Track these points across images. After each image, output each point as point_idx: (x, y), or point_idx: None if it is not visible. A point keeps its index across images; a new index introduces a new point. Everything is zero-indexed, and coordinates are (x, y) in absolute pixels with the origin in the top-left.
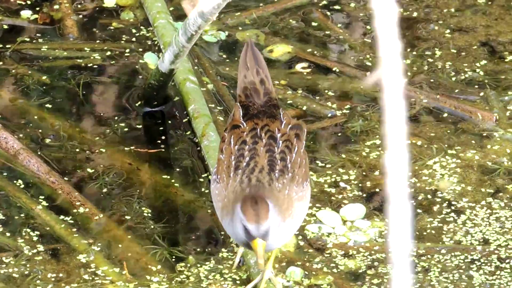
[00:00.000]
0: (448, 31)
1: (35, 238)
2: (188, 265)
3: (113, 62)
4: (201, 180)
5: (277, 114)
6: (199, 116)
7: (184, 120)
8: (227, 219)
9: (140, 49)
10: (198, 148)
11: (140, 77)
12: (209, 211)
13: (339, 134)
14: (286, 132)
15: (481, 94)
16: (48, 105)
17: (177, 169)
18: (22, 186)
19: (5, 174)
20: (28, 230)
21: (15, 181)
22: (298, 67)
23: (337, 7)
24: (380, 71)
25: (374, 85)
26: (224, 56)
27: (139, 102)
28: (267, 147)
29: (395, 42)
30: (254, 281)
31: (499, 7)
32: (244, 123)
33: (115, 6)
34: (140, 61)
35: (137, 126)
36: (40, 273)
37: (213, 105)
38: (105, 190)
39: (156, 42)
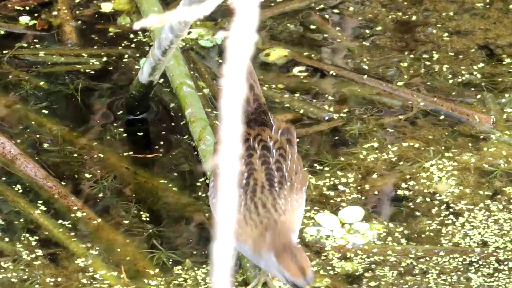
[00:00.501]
0: (446, 34)
1: (33, 243)
2: (185, 268)
3: (111, 67)
4: (198, 184)
5: (268, 121)
6: (196, 120)
7: (181, 123)
8: (246, 247)
9: (137, 55)
10: (196, 152)
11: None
12: (204, 214)
13: (337, 137)
14: (277, 139)
15: (478, 96)
16: (45, 111)
17: (175, 174)
18: (21, 191)
19: (3, 179)
20: (27, 235)
21: (13, 186)
22: (295, 70)
23: (336, 10)
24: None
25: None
26: (220, 60)
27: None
28: (262, 159)
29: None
30: (251, 284)
31: (498, 10)
32: None
33: (112, 11)
34: (137, 66)
35: (135, 131)
36: (39, 278)
37: (209, 110)
38: (102, 194)
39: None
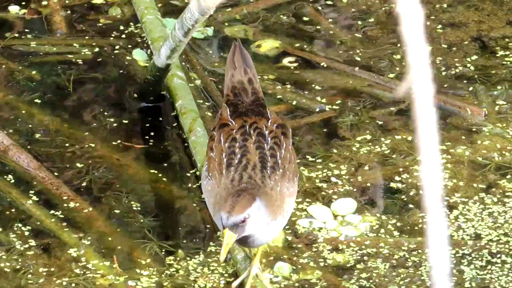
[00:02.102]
0: (440, 26)
1: (26, 233)
2: (178, 258)
3: (102, 58)
4: (188, 175)
5: (265, 113)
6: (187, 111)
7: (172, 115)
8: (219, 215)
9: (130, 46)
10: (186, 144)
11: (128, 73)
12: (195, 205)
13: (330, 129)
14: (273, 129)
15: (470, 89)
16: (37, 101)
17: (165, 164)
18: (13, 181)
19: None
20: (20, 225)
21: (5, 176)
22: (285, 61)
23: (329, 2)
24: (410, 80)
25: (405, 94)
26: (211, 52)
27: (135, 96)
28: (257, 144)
29: (423, 49)
30: (241, 276)
31: (492, 2)
32: (232, 121)
33: (103, 2)
34: (128, 57)
35: (126, 121)
36: (32, 268)
37: (201, 101)
38: (93, 185)
39: (144, 39)
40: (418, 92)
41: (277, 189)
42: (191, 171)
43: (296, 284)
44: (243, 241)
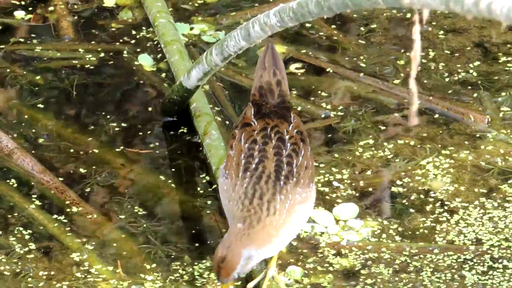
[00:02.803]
0: (442, 32)
1: (27, 237)
2: (185, 263)
3: (108, 63)
4: (197, 180)
5: (288, 117)
6: (201, 114)
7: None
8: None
9: (138, 50)
10: (195, 147)
11: (134, 78)
12: (200, 209)
13: (332, 134)
14: (293, 135)
15: (475, 95)
16: (41, 105)
17: (172, 169)
18: (16, 185)
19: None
20: (20, 228)
21: (8, 180)
22: (292, 67)
23: None
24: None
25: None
26: None
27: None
28: (275, 150)
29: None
30: (256, 278)
31: None
32: (255, 121)
33: (114, 6)
34: (135, 62)
35: (130, 126)
36: (32, 271)
37: (210, 106)
38: (97, 189)
39: (155, 43)
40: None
41: (285, 206)
42: (201, 176)
43: (308, 287)
44: None
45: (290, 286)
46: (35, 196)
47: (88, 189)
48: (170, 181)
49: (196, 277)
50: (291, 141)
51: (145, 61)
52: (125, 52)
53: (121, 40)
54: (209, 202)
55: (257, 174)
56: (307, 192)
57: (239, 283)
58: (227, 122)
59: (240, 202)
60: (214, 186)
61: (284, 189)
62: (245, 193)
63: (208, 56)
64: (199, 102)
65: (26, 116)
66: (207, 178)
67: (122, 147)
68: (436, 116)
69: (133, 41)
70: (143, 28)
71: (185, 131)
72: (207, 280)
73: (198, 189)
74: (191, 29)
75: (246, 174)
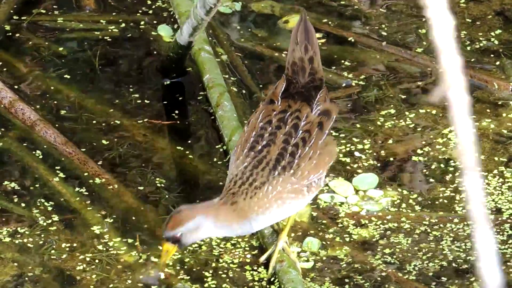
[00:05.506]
0: (463, 0)
1: (49, 208)
2: None
3: (128, 34)
4: (215, 150)
5: (313, 98)
6: (214, 86)
7: (197, 91)
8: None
9: (155, 21)
10: (213, 118)
11: (154, 48)
12: (220, 180)
13: (354, 103)
14: (311, 121)
15: (497, 63)
16: (64, 77)
17: (192, 140)
18: (41, 157)
19: (24, 144)
20: (43, 200)
21: (33, 152)
22: None
23: None
24: (444, 86)
25: (440, 100)
26: (239, 27)
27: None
28: (285, 137)
29: (455, 56)
30: (268, 251)
31: None
32: (279, 100)
33: None
34: (154, 33)
35: (152, 97)
36: (55, 243)
37: (226, 76)
38: (119, 161)
39: (171, 13)
40: (452, 99)
41: (271, 195)
42: (217, 146)
43: (324, 259)
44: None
45: (304, 258)
46: (58, 167)
47: (109, 160)
48: (190, 152)
49: (214, 246)
50: (305, 127)
51: (164, 31)
52: (142, 23)
53: (140, 11)
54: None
55: (259, 158)
56: (301, 185)
57: (248, 256)
58: (244, 92)
59: (233, 180)
60: (228, 157)
61: (275, 180)
62: (242, 172)
63: (194, 10)
64: (212, 73)
65: (48, 88)
66: (225, 148)
67: (144, 119)
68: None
69: (149, 11)
70: None
71: (200, 98)
72: (224, 250)
73: (215, 159)
74: None
75: (250, 153)
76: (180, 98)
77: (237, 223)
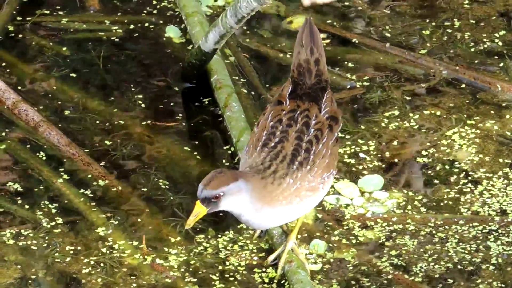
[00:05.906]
0: (467, 1)
1: (53, 211)
2: (209, 236)
3: (134, 34)
4: (220, 151)
5: (321, 99)
6: (222, 86)
7: (202, 92)
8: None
9: (161, 21)
10: (220, 119)
11: (161, 49)
12: None
13: (358, 105)
14: (321, 120)
15: (501, 64)
16: (67, 77)
17: (196, 141)
18: (44, 158)
19: (28, 146)
20: (47, 202)
21: (37, 154)
22: None
23: None
24: None
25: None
26: (245, 27)
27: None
28: (297, 134)
29: None
30: (277, 251)
31: None
32: (287, 101)
33: None
34: (161, 34)
35: (155, 98)
36: (59, 246)
37: (236, 78)
38: (122, 162)
39: (177, 13)
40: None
41: (291, 189)
42: (225, 147)
43: (331, 261)
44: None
45: (311, 260)
46: (62, 169)
47: (113, 162)
48: (195, 153)
49: (220, 249)
50: (316, 126)
51: (173, 32)
52: (147, 24)
53: (144, 11)
54: None
55: (275, 152)
56: (317, 182)
57: (255, 259)
58: (253, 93)
59: (255, 167)
60: (237, 158)
61: (295, 174)
62: (262, 162)
63: (224, 18)
64: (220, 74)
65: (52, 88)
66: (232, 149)
67: (148, 120)
68: (463, 86)
69: (154, 11)
70: None
71: (206, 102)
72: (231, 252)
73: (223, 161)
74: (215, 0)
75: (264, 149)
76: (184, 100)
77: (262, 206)
